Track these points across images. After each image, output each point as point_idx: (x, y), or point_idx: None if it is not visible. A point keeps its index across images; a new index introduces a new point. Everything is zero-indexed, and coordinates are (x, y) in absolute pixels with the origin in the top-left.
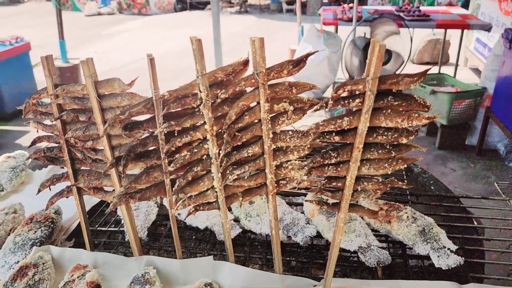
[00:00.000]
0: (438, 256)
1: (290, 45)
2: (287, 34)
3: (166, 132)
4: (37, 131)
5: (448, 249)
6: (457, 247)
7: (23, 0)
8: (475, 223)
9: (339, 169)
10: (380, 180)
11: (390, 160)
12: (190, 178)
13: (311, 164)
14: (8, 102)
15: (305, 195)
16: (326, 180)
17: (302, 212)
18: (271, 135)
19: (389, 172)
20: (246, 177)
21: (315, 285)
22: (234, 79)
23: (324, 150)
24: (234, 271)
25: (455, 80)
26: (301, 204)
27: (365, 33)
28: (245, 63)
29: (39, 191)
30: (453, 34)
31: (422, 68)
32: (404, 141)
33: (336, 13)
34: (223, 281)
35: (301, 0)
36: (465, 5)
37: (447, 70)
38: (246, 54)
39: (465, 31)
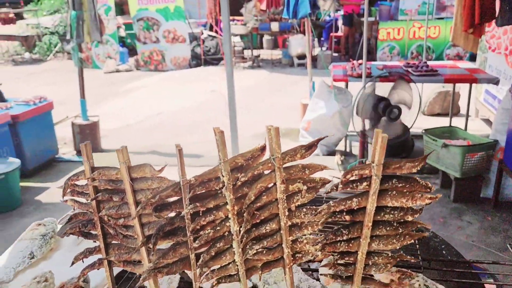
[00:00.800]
0: None
1: (301, 99)
2: (299, 88)
3: (192, 212)
4: (74, 209)
5: None
6: None
7: (45, 59)
8: None
9: (350, 245)
10: (390, 254)
11: (398, 236)
12: (213, 253)
13: (325, 241)
14: (29, 159)
15: (321, 261)
16: (338, 256)
17: (318, 279)
18: (287, 213)
19: (397, 247)
20: (264, 252)
21: None
22: (252, 163)
23: (336, 228)
24: None
25: (466, 133)
26: (317, 270)
27: (374, 88)
28: (262, 149)
29: (72, 263)
30: (463, 86)
31: (435, 119)
32: (410, 219)
33: (346, 69)
34: None
35: (311, 55)
36: (472, 58)
37: (458, 121)
38: (263, 141)
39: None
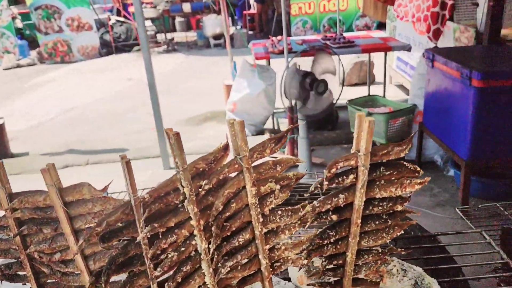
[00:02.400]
0: None
1: (224, 80)
2: (219, 68)
3: (149, 235)
4: None
5: None
6: None
7: None
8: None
9: (338, 246)
10: (380, 250)
11: (388, 228)
12: (179, 279)
13: (310, 247)
14: None
15: None
16: (327, 261)
17: (288, 279)
18: (261, 219)
19: (388, 241)
20: (239, 267)
21: None
22: (215, 166)
23: (321, 230)
24: None
25: (386, 100)
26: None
27: (296, 63)
28: (225, 148)
29: None
30: (376, 55)
31: (353, 89)
32: (399, 208)
33: (266, 46)
34: None
35: (229, 34)
36: (379, 26)
37: (375, 89)
38: (225, 139)
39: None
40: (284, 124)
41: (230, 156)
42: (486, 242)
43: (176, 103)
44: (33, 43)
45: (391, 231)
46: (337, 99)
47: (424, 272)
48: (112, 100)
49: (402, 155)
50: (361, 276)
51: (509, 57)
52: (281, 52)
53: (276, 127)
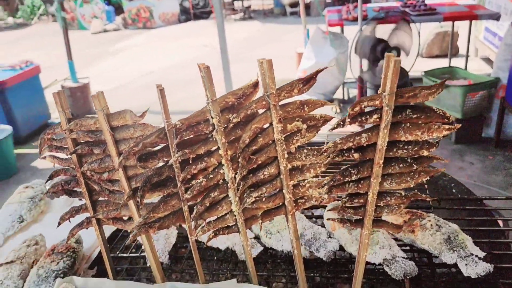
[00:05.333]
0: (466, 264)
1: (297, 48)
2: (293, 37)
3: (180, 160)
4: (54, 165)
5: (476, 256)
6: (485, 253)
7: (30, 23)
8: (501, 225)
9: (360, 185)
10: (403, 194)
11: (412, 173)
12: (208, 204)
13: (332, 182)
14: (21, 125)
15: (324, 207)
16: (347, 198)
17: (323, 225)
18: (286, 155)
19: (412, 186)
20: (264, 199)
21: None
22: (245, 102)
23: (343, 168)
24: None
25: (467, 72)
26: (322, 216)
27: (372, 31)
28: (255, 85)
29: (59, 224)
30: (461, 25)
31: (433, 61)
32: (425, 153)
33: (341, 13)
34: None
35: (304, 2)
36: None
37: (457, 62)
38: (256, 76)
39: (474, 21)
40: (354, 95)
41: (260, 93)
42: None
43: (248, 70)
44: (118, 9)
45: (416, 176)
46: (410, 69)
47: (459, 229)
48: (187, 66)
49: (431, 98)
50: (383, 218)
51: None
52: (355, 19)
53: (346, 98)
